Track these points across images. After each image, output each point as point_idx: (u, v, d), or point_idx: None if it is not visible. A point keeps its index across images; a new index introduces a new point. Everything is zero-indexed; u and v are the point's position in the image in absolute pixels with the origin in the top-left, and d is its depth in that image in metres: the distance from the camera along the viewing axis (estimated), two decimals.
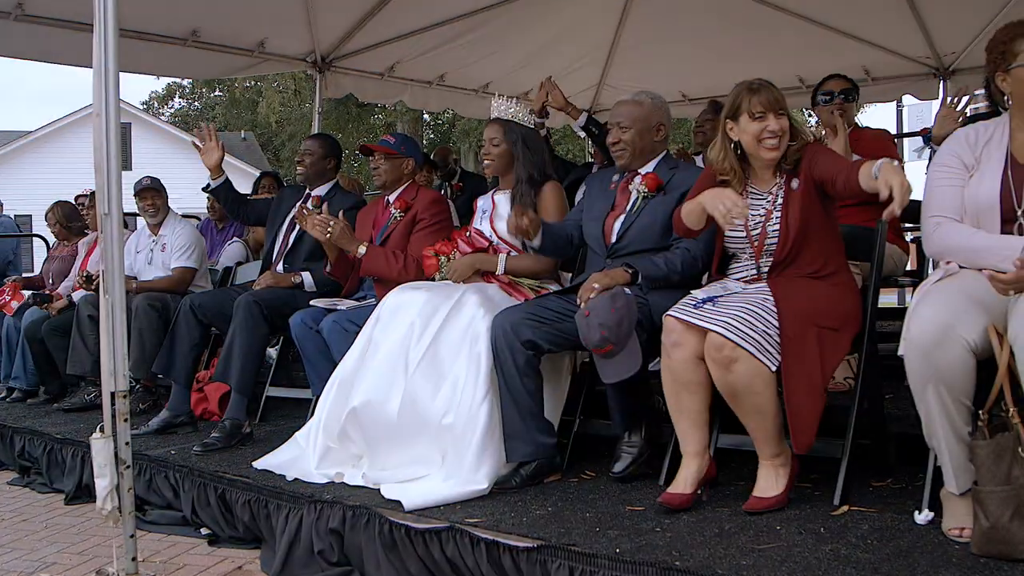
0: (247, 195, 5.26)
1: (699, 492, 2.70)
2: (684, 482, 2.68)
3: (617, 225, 3.17)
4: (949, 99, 3.68)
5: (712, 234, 2.87)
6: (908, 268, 3.96)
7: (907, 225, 3.87)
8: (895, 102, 9.41)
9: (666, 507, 2.65)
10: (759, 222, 2.77)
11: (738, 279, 2.81)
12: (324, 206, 4.13)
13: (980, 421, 2.19)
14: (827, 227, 2.75)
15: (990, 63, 2.43)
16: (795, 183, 2.74)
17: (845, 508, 2.61)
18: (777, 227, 2.74)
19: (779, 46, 5.97)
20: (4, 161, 23.30)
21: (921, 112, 11.12)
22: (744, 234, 2.79)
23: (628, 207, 3.17)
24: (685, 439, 2.71)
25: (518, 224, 3.14)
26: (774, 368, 2.53)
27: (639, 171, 3.21)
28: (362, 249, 3.73)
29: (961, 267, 2.36)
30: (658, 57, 6.47)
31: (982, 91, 2.61)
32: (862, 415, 2.78)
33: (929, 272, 2.77)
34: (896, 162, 2.41)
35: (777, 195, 2.77)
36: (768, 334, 2.53)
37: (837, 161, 2.72)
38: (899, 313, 2.57)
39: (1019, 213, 2.36)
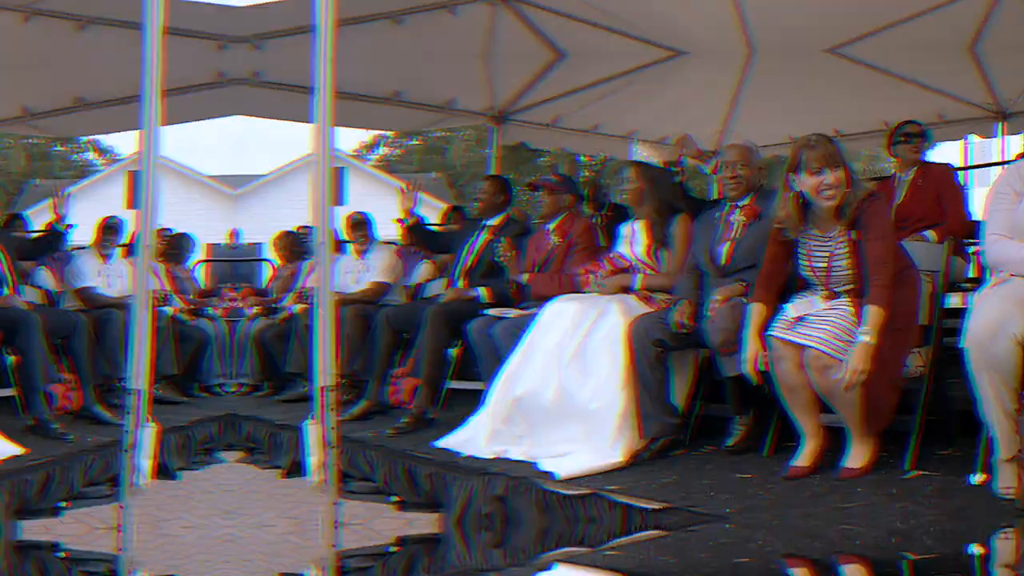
0: (435, 225, 6.10)
1: (819, 464, 3.17)
2: (806, 457, 3.17)
3: (726, 250, 3.66)
4: None
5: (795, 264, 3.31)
6: (969, 276, 4.40)
7: (968, 241, 4.30)
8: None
9: (792, 478, 3.11)
10: (823, 263, 3.18)
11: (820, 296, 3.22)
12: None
13: None
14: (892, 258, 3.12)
15: None
16: (853, 234, 3.11)
17: (915, 472, 3.02)
18: (847, 271, 3.14)
19: (865, 95, 6.37)
20: (243, 199, 24.81)
21: (985, 147, 11.77)
22: (811, 274, 3.23)
23: (733, 235, 3.66)
24: (803, 424, 3.20)
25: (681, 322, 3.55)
26: None
27: (737, 204, 3.71)
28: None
29: (1013, 275, 2.71)
30: (770, 106, 6.84)
31: None
32: (930, 396, 3.17)
33: (988, 279, 3.13)
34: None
35: (839, 240, 3.14)
36: (852, 343, 2.99)
37: (875, 252, 3.04)
38: (963, 312, 2.93)
39: None
